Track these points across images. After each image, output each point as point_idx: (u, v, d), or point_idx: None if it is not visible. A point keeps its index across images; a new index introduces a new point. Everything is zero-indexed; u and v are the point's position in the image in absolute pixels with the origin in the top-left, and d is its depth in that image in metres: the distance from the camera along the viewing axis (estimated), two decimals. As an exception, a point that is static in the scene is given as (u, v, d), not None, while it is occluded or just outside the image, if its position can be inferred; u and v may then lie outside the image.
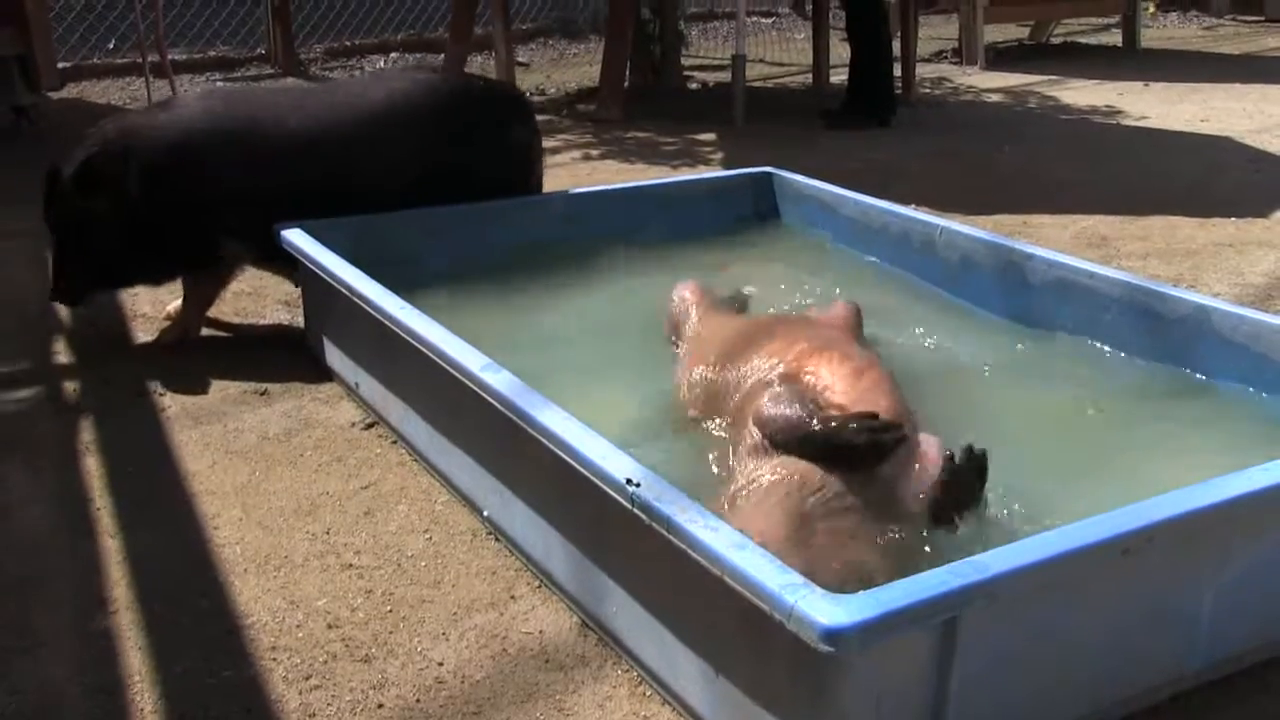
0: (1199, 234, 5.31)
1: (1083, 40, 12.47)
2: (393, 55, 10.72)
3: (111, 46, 9.37)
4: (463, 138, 4.03)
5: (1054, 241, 5.06)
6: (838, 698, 1.83)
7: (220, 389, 3.64)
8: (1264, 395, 3.05)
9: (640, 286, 3.92)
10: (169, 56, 7.13)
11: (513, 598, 2.60)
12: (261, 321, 4.24)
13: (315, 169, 3.84)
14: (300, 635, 2.47)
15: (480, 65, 9.97)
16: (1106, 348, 3.40)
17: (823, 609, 1.74)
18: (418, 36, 11.06)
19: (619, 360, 3.42)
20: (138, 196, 3.73)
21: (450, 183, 4.00)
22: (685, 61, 9.92)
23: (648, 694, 2.28)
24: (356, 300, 3.25)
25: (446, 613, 2.55)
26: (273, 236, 3.72)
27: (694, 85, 9.55)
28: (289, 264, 3.83)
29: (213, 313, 4.22)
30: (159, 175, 3.74)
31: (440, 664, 2.38)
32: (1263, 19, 13.69)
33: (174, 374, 3.74)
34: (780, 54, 11.38)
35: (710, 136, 7.48)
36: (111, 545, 2.80)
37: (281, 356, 3.88)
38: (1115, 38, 12.06)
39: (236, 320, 4.25)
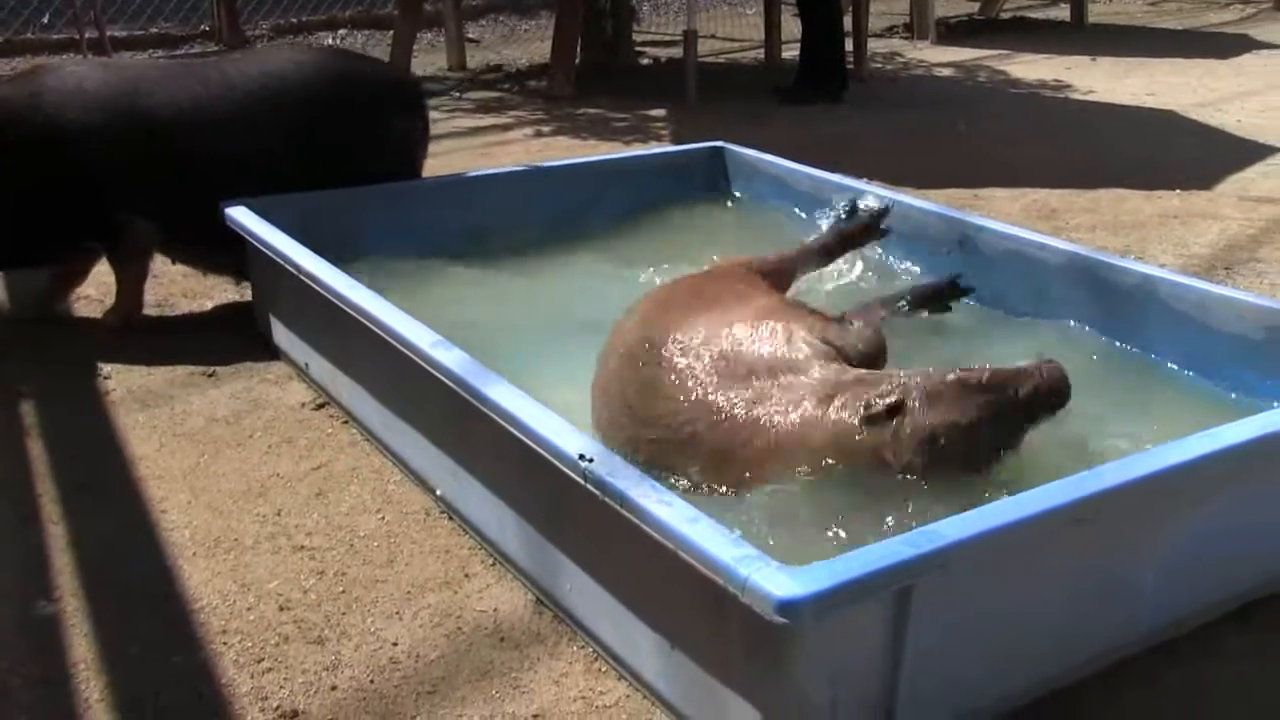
0: (1145, 206, 5.35)
1: (1031, 15, 12.54)
2: (341, 32, 10.61)
3: (46, 21, 9.19)
4: (337, 119, 3.93)
5: (1004, 213, 5.08)
6: (793, 669, 1.83)
7: (167, 371, 3.59)
8: (1208, 363, 3.08)
9: (591, 264, 3.90)
10: (108, 33, 6.99)
11: (467, 576, 2.58)
12: (209, 301, 4.18)
13: (191, 143, 3.76)
14: (252, 618, 2.44)
15: (430, 42, 9.89)
16: (1054, 317, 3.42)
17: (776, 581, 1.74)
18: (366, 13, 10.95)
19: (570, 337, 3.40)
20: (19, 169, 3.67)
21: (325, 164, 3.90)
22: (637, 37, 9.88)
23: (603, 669, 2.27)
24: (305, 279, 3.21)
25: (400, 592, 2.53)
26: (174, 213, 3.71)
27: (646, 61, 9.51)
28: (197, 249, 3.83)
29: (160, 293, 4.16)
30: (38, 147, 3.67)
31: (394, 644, 2.36)
32: (1206, -7, 13.82)
33: (119, 356, 3.68)
34: (732, 29, 11.36)
35: (662, 112, 7.45)
36: (56, 531, 2.75)
37: (229, 337, 3.82)
38: (1063, 12, 12.13)
39: (184, 300, 4.19)
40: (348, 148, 3.95)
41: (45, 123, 3.68)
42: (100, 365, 3.63)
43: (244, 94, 3.83)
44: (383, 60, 4.60)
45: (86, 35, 6.39)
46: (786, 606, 1.71)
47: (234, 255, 3.79)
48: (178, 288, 4.25)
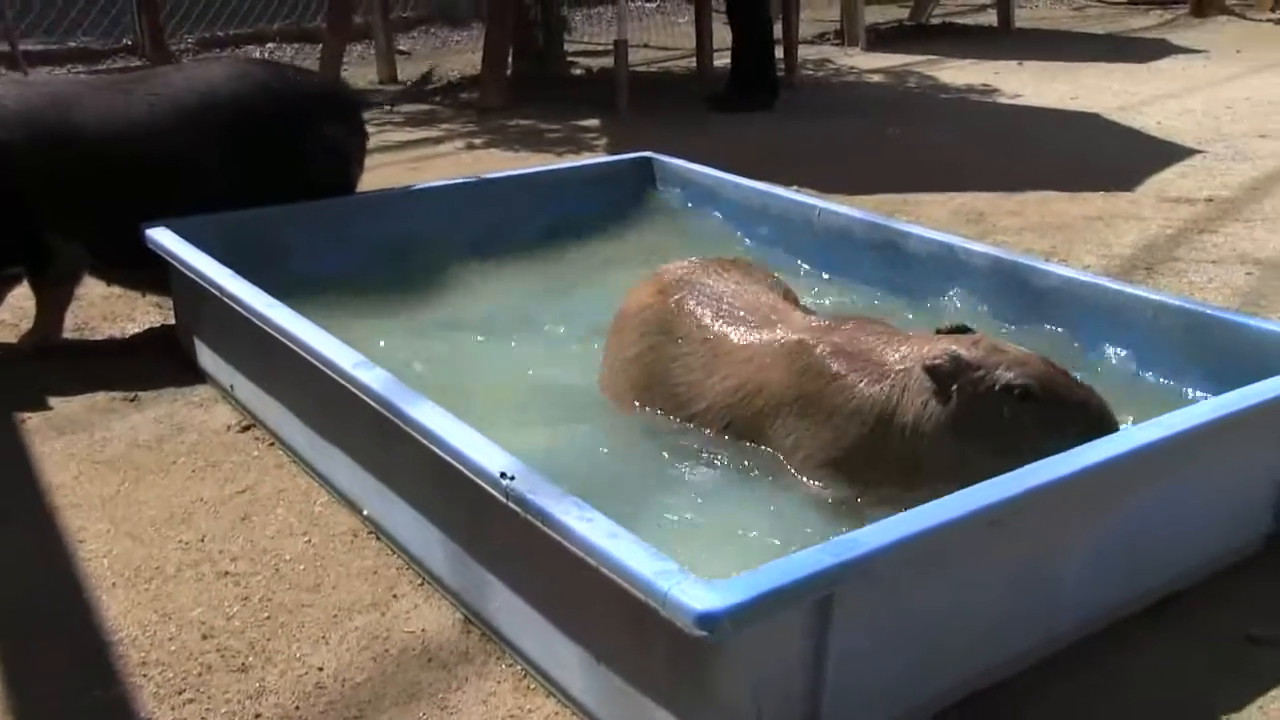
0: (1070, 208, 5.41)
1: (960, 21, 12.65)
2: (269, 45, 10.51)
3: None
4: (271, 133, 3.87)
5: (932, 218, 5.12)
6: (716, 682, 1.82)
7: (86, 396, 3.52)
8: (1126, 362, 3.12)
9: (517, 276, 3.89)
10: (20, 46, 6.82)
11: (395, 597, 2.56)
12: (131, 325, 4.12)
13: (118, 161, 3.69)
14: (173, 648, 2.40)
15: (360, 55, 9.83)
16: (979, 319, 3.44)
17: (696, 594, 1.74)
18: (295, 26, 10.84)
19: (499, 354, 3.39)
20: None
21: (259, 180, 3.83)
22: (569, 48, 9.88)
23: (531, 687, 2.26)
24: (228, 301, 3.17)
25: (327, 616, 2.50)
26: (103, 234, 3.66)
27: (578, 71, 9.50)
28: (130, 268, 3.76)
29: (80, 316, 4.10)
30: None
31: (320, 669, 2.33)
32: (1126, 1, 14.02)
33: (35, 382, 3.61)
34: (664, 38, 11.38)
35: (594, 123, 7.45)
36: (-28, 563, 2.70)
37: (153, 361, 3.76)
38: (991, 18, 12.25)
39: (105, 324, 4.12)
40: (282, 162, 3.89)
41: None
42: (15, 391, 3.55)
43: (173, 109, 3.76)
44: (317, 72, 4.50)
45: None
46: (706, 619, 1.71)
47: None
48: (98, 310, 4.18)
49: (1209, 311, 3.04)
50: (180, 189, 3.74)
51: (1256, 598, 2.53)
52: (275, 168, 3.87)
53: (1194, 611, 2.48)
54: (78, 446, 3.24)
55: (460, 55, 10.32)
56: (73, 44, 9.57)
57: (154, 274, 3.76)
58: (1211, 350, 2.94)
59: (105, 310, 4.19)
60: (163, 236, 3.55)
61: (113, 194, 3.69)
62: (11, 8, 6.43)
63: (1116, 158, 6.43)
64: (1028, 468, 2.15)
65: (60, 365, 3.75)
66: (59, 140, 3.66)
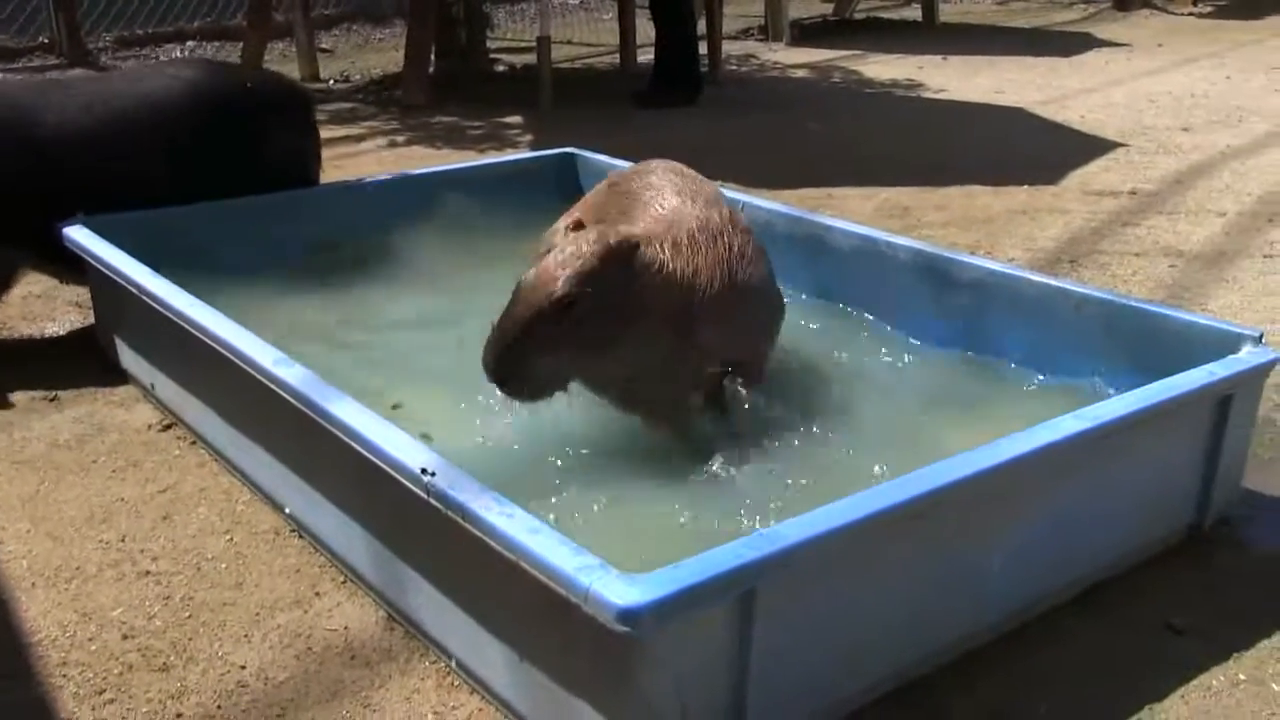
0: (995, 202, 5.49)
1: (885, 15, 12.77)
2: (189, 44, 10.37)
3: None
4: (221, 134, 3.84)
5: (857, 213, 5.17)
6: (639, 677, 1.83)
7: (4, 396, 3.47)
8: (1049, 355, 3.16)
9: (441, 275, 3.87)
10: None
11: (317, 595, 2.54)
12: (51, 324, 4.05)
13: (68, 164, 3.63)
14: (93, 648, 2.37)
15: (281, 53, 9.72)
16: (903, 314, 3.48)
17: (617, 590, 1.74)
18: (215, 24, 10.70)
19: (419, 350, 3.37)
20: None
21: (210, 182, 3.81)
22: (492, 44, 9.83)
23: (456, 684, 2.26)
24: (146, 299, 3.13)
25: (249, 614, 2.48)
26: (49, 237, 3.56)
27: (501, 68, 9.46)
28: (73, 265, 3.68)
29: (-2, 316, 4.03)
30: None
31: (243, 667, 2.32)
32: (1051, -6, 14.23)
33: (-48, 383, 3.55)
34: (588, 34, 11.37)
35: (518, 119, 7.43)
36: (-115, 567, 2.65)
37: (73, 361, 3.71)
38: (915, 13, 12.37)
39: (23, 324, 4.05)
40: (232, 163, 3.86)
41: None
42: (-68, 393, 3.50)
43: (120, 110, 3.71)
44: (271, 71, 4.44)
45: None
46: (628, 614, 1.72)
47: None
48: (15, 310, 4.11)
49: (1132, 304, 3.09)
50: (130, 192, 3.68)
51: (1178, 588, 2.59)
52: (228, 169, 3.84)
53: (1118, 602, 2.53)
54: (-6, 447, 3.19)
55: (382, 53, 10.24)
56: (-15, 42, 9.40)
57: None
58: (1134, 342, 2.98)
59: (24, 310, 4.12)
60: (80, 235, 3.49)
61: (61, 198, 3.61)
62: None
63: (1040, 151, 6.53)
64: (951, 459, 2.18)
65: (-24, 365, 3.69)
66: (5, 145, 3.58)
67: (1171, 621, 2.46)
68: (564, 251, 2.61)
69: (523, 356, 2.57)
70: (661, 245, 2.73)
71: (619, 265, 2.60)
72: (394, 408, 2.91)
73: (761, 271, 2.95)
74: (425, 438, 2.42)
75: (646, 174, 3.25)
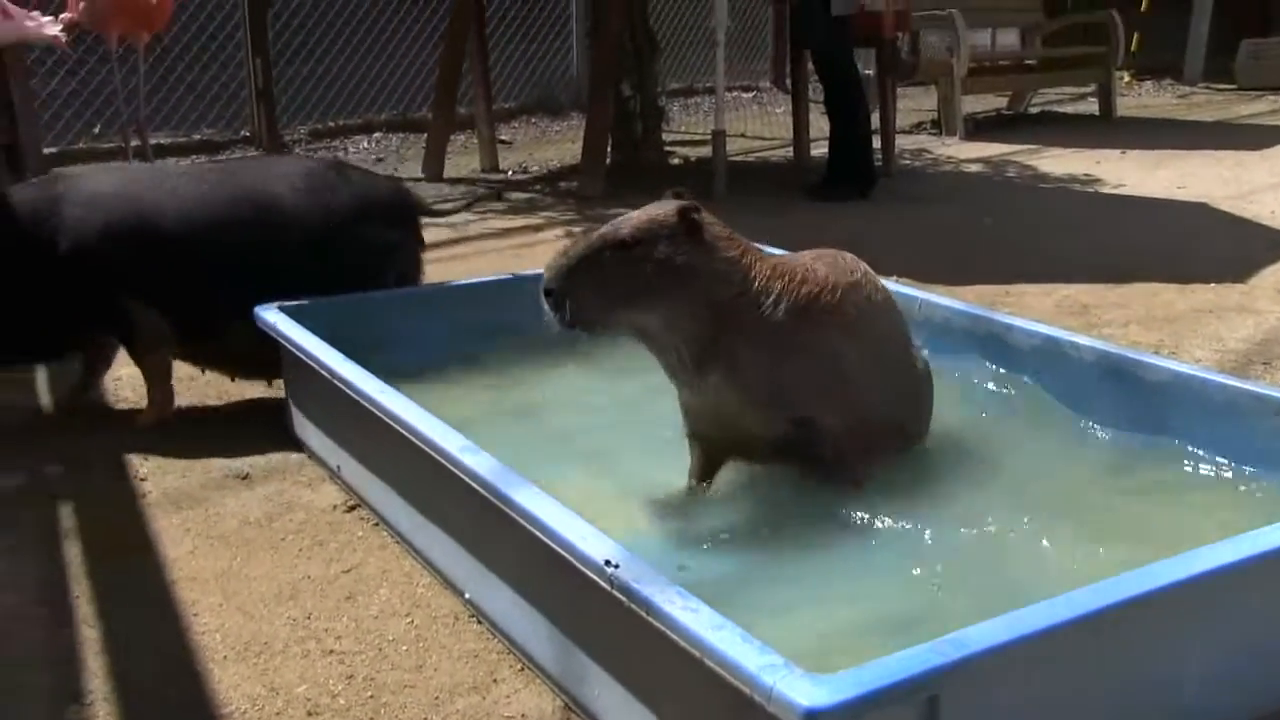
0: (1179, 300, 5.34)
1: (1060, 109, 12.64)
2: (376, 135, 10.81)
3: (97, 131, 9.43)
4: (317, 231, 3.98)
5: (1035, 310, 5.09)
6: (820, 779, 1.80)
7: (202, 473, 3.63)
8: (1242, 463, 3.05)
9: (615, 362, 3.92)
10: (151, 140, 7.21)
11: (495, 681, 2.58)
12: (243, 403, 4.23)
13: (190, 243, 3.89)
14: (280, 723, 2.44)
15: (464, 143, 10.06)
16: (1087, 416, 3.40)
17: (802, 689, 1.73)
18: (401, 116, 11.16)
19: (606, 443, 3.42)
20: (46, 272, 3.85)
21: (306, 272, 3.94)
22: (666, 137, 10.01)
23: (631, 778, 2.26)
24: (336, 382, 3.25)
25: (428, 697, 2.52)
26: (183, 311, 3.89)
27: (675, 160, 9.62)
28: (212, 353, 4.00)
29: (195, 395, 4.22)
30: (61, 248, 3.83)
31: (422, 750, 2.36)
32: (1235, 87, 13.90)
33: (155, 458, 3.73)
34: (761, 128, 11.50)
35: (691, 210, 7.50)
36: (89, 634, 2.77)
37: (264, 439, 3.86)
38: (1092, 107, 12.22)
39: (218, 402, 4.24)
40: (339, 260, 4.01)
41: (67, 225, 3.83)
42: (137, 467, 3.67)
43: (228, 199, 3.98)
44: (378, 175, 4.68)
45: (132, 143, 6.59)
46: (812, 715, 1.70)
47: (255, 360, 3.95)
48: (212, 390, 4.30)
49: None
50: (251, 277, 3.91)
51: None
52: (333, 265, 4.00)
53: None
54: (193, 521, 3.33)
55: (559, 145, 10.52)
56: (196, 136, 9.96)
57: (242, 359, 4.01)
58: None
59: (219, 389, 4.31)
60: (274, 317, 3.66)
61: (189, 276, 3.92)
62: (147, 104, 6.77)
63: (1227, 248, 6.34)
64: (1145, 568, 2.11)
65: (177, 442, 3.86)
66: (146, 223, 3.89)
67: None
68: (646, 209, 2.86)
69: (571, 277, 2.77)
70: (749, 251, 2.92)
71: (686, 232, 2.80)
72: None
73: (855, 347, 2.96)
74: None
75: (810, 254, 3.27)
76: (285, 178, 4.05)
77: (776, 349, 2.85)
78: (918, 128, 11.18)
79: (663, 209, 2.84)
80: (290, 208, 3.97)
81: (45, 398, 4.29)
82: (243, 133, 10.10)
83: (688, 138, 10.70)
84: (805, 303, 2.89)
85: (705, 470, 3.09)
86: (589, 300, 2.77)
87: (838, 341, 2.94)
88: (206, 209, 3.93)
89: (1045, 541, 2.75)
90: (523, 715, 2.45)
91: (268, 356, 3.83)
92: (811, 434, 2.90)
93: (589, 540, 2.21)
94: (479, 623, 2.78)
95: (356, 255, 4.03)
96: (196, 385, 4.30)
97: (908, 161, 9.45)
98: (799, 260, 3.06)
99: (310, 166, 4.22)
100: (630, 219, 2.84)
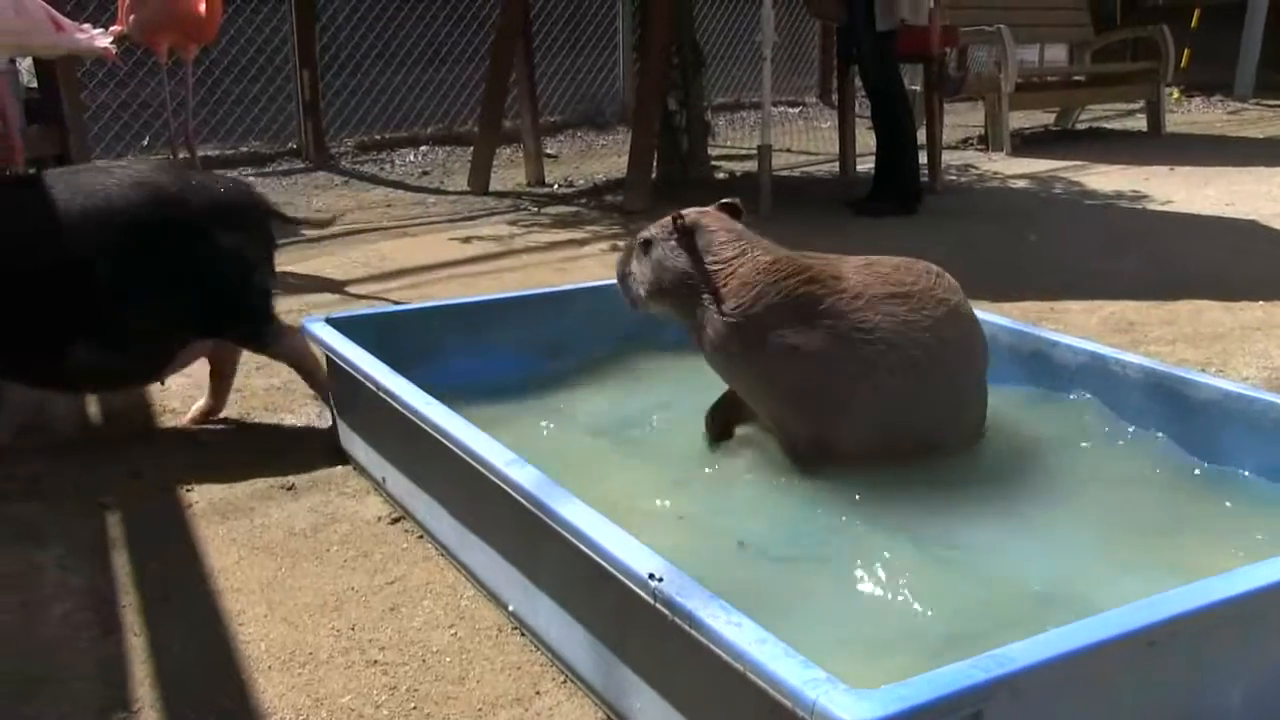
0: (1226, 318, 5.29)
1: (1108, 125, 12.56)
2: (423, 149, 10.90)
3: (145, 144, 9.58)
4: (156, 237, 3.77)
5: (1081, 327, 5.06)
6: (862, 796, 1.80)
7: (247, 484, 3.66)
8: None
9: (662, 375, 3.93)
10: (199, 152, 7.31)
11: (538, 693, 2.58)
12: (289, 415, 4.27)
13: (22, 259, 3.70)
14: (324, 733, 2.46)
15: (509, 157, 10.12)
16: (1132, 434, 3.38)
17: (846, 704, 1.73)
18: (447, 130, 11.25)
19: (651, 457, 3.43)
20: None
21: (149, 280, 3.76)
22: (712, 151, 10.03)
23: (673, 791, 2.26)
24: (382, 395, 3.28)
25: (471, 709, 2.54)
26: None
27: (721, 175, 9.64)
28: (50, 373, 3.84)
29: (242, 406, 4.26)
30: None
31: (464, 761, 2.37)
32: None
33: (202, 469, 3.77)
34: (807, 143, 11.50)
35: (736, 225, 7.51)
36: (136, 643, 2.80)
37: (309, 451, 3.90)
38: (1140, 123, 12.13)
39: (265, 414, 4.28)
40: (184, 264, 3.82)
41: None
42: (184, 478, 3.71)
43: (72, 209, 3.73)
44: (222, 176, 4.34)
45: (180, 155, 6.68)
46: (855, 731, 1.70)
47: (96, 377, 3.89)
48: (259, 401, 4.35)
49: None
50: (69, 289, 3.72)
51: None
52: (176, 271, 3.82)
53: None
54: (238, 531, 3.36)
55: (604, 159, 10.56)
56: (244, 148, 10.10)
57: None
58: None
59: (266, 401, 4.36)
60: (322, 331, 3.69)
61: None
62: (194, 116, 6.86)
63: (1276, 266, 6.28)
64: (1190, 586, 2.10)
65: (224, 453, 3.91)
66: None
67: None
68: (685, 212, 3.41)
69: (620, 268, 3.53)
70: (747, 251, 3.27)
71: (685, 235, 3.32)
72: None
73: (855, 349, 3.12)
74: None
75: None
76: (119, 184, 3.81)
77: (738, 342, 3.19)
78: (964, 143, 11.14)
79: (672, 218, 3.36)
80: (126, 215, 3.75)
81: (94, 409, 4.34)
82: (290, 145, 10.22)
83: (733, 152, 10.72)
84: (792, 302, 3.15)
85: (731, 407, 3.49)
86: (629, 288, 3.47)
87: (822, 342, 3.12)
88: (29, 220, 3.72)
89: (1090, 559, 2.73)
90: (565, 728, 2.46)
91: (110, 372, 3.83)
92: (785, 435, 3.28)
93: (633, 553, 2.21)
94: (522, 635, 2.80)
95: (202, 261, 3.84)
96: (243, 397, 4.34)
97: (954, 177, 9.42)
98: (826, 263, 3.32)
99: (143, 172, 3.94)
100: (654, 224, 3.42)
